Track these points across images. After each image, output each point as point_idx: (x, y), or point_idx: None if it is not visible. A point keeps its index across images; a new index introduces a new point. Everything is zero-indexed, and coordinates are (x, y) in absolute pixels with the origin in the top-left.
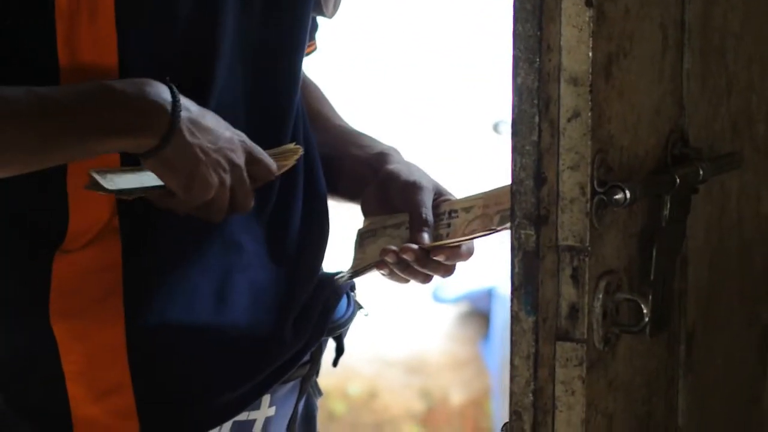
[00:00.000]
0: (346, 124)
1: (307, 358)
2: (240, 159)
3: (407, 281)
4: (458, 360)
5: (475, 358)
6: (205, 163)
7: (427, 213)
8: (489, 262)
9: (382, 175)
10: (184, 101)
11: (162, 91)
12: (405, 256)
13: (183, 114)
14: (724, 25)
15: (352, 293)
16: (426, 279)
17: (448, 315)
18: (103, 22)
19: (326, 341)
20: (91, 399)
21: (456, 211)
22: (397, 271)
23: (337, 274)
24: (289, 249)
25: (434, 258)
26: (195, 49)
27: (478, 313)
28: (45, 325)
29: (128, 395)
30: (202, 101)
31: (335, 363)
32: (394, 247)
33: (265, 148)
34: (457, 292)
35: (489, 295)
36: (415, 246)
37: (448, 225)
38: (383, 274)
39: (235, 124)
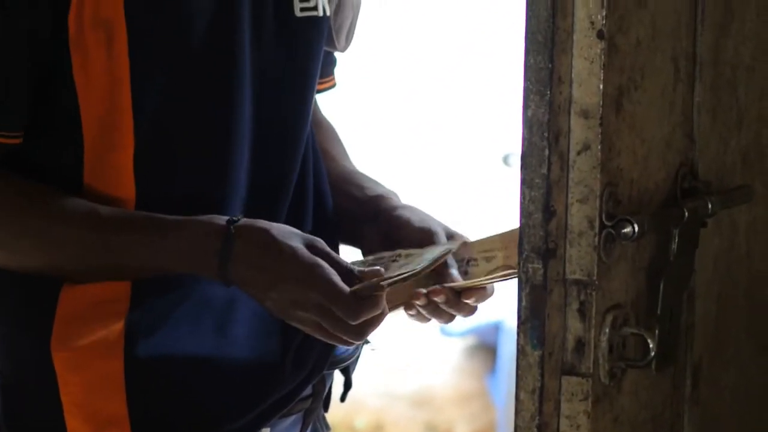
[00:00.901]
0: (353, 166)
1: (309, 391)
2: (307, 299)
3: (429, 320)
4: (465, 394)
5: (481, 392)
6: (265, 298)
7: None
8: (497, 295)
9: (390, 220)
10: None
11: (215, 236)
12: (436, 298)
13: (236, 258)
14: (736, 58)
15: None
16: (450, 319)
17: (456, 349)
18: (117, 50)
19: (331, 375)
20: (89, 430)
21: (475, 259)
22: (425, 313)
23: None
24: None
25: (464, 300)
26: (212, 83)
27: (486, 347)
28: (45, 354)
29: (125, 428)
30: (216, 126)
31: (343, 398)
32: (424, 290)
33: (274, 182)
34: (464, 325)
35: (496, 328)
36: (446, 287)
37: (469, 270)
38: (410, 315)
39: (243, 153)
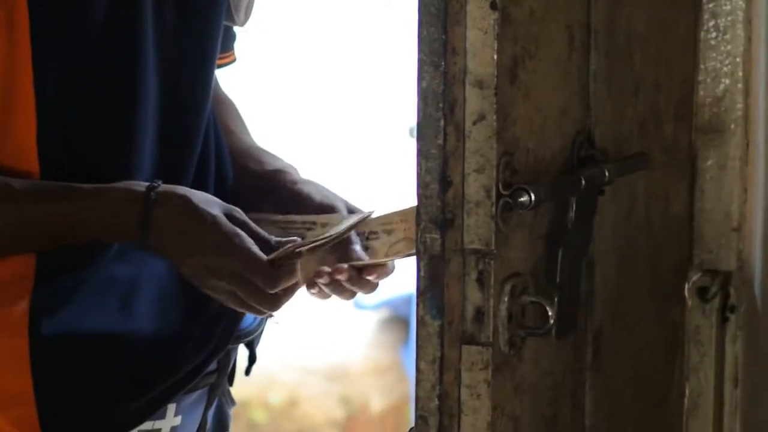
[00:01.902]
0: (252, 141)
1: (213, 366)
2: (224, 267)
3: (330, 297)
4: (379, 366)
5: (396, 364)
6: (182, 264)
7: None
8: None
9: (291, 194)
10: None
11: (133, 202)
12: (339, 277)
13: (156, 223)
14: (630, 27)
15: None
16: (352, 296)
17: (369, 321)
18: (18, 31)
19: (235, 349)
20: None
21: (376, 233)
22: (327, 290)
23: None
24: None
25: (366, 276)
26: (112, 52)
27: (399, 319)
28: None
29: (31, 406)
30: (120, 104)
31: (248, 371)
32: (327, 268)
33: (176, 157)
34: (377, 298)
35: (409, 300)
36: (346, 266)
37: (370, 245)
38: (312, 293)
39: (146, 130)
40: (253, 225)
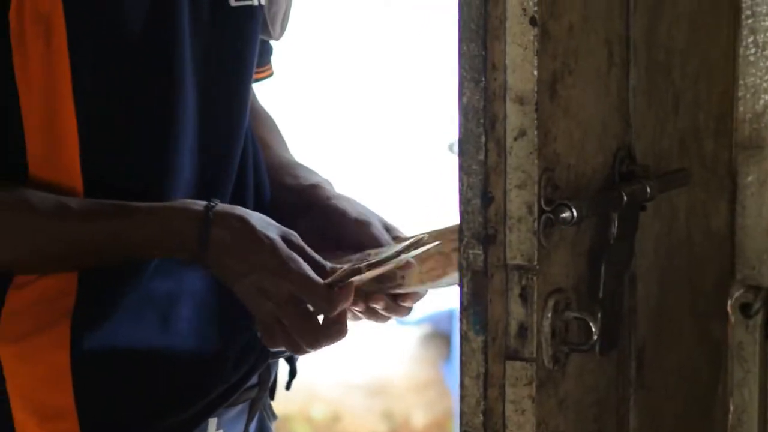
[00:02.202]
0: (289, 155)
1: (254, 381)
2: (284, 288)
3: (362, 320)
4: (421, 382)
5: (437, 379)
6: (235, 285)
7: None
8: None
9: (325, 210)
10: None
11: (192, 221)
12: (376, 305)
13: (214, 244)
14: (670, 42)
15: None
16: (386, 320)
17: (411, 337)
18: (56, 44)
19: (276, 363)
20: (36, 423)
21: (370, 255)
22: (361, 316)
23: None
24: None
25: (402, 303)
26: (153, 74)
27: (440, 335)
28: None
29: (72, 420)
30: (164, 123)
31: (288, 386)
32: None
33: (215, 171)
34: (419, 314)
35: (450, 316)
36: (383, 295)
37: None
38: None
39: (186, 144)
40: (308, 250)
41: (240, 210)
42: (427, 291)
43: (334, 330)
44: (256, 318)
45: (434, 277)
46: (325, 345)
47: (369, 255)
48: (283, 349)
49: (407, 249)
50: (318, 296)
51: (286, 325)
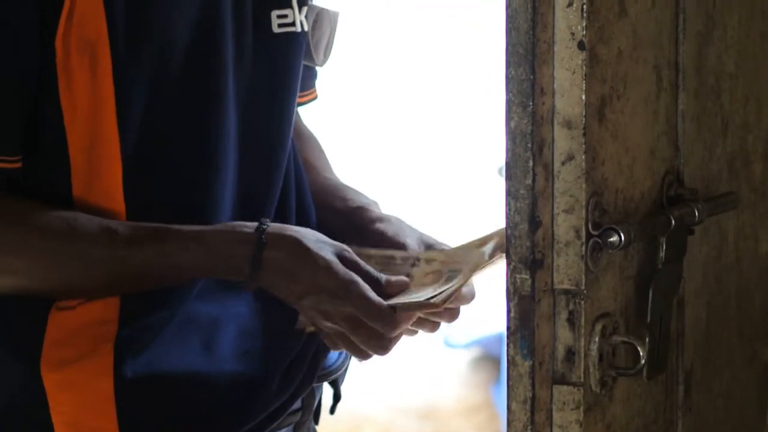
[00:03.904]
0: (335, 177)
1: (298, 405)
2: (339, 311)
3: (416, 333)
4: (470, 405)
5: (487, 403)
6: (294, 305)
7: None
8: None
9: (368, 231)
10: (287, 228)
11: (244, 242)
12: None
13: (267, 265)
14: (719, 66)
15: None
16: (436, 327)
17: (460, 360)
18: (101, 71)
19: (320, 387)
20: None
21: (419, 260)
22: (412, 328)
23: None
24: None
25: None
26: (196, 100)
27: (490, 358)
28: (36, 375)
29: None
30: (202, 142)
31: (332, 410)
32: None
33: (257, 194)
34: (468, 337)
35: (500, 339)
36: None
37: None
38: None
39: (228, 168)
40: (363, 264)
41: (292, 229)
42: (474, 294)
43: (397, 340)
44: (317, 329)
45: (480, 271)
46: (394, 347)
47: (419, 260)
48: (331, 368)
49: (473, 272)
50: (380, 320)
51: (353, 340)
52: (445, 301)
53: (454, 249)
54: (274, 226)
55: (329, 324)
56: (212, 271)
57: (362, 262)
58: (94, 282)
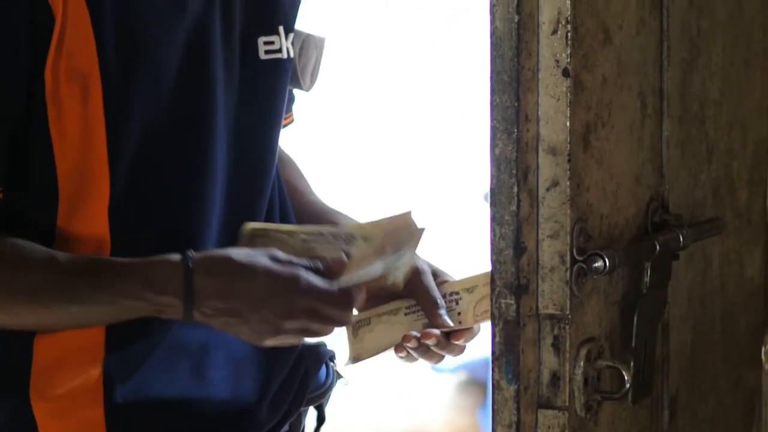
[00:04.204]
0: (320, 200)
1: (286, 428)
2: (293, 313)
3: (417, 360)
4: (457, 429)
5: (473, 427)
6: (241, 328)
7: (439, 297)
8: (486, 331)
9: None
10: (212, 255)
11: (172, 274)
12: (428, 342)
13: (201, 294)
14: (704, 93)
15: (332, 363)
16: (440, 359)
17: (447, 384)
18: (92, 103)
19: (306, 411)
20: None
21: (458, 293)
22: (415, 354)
23: (318, 343)
24: None
25: (454, 341)
26: (186, 130)
27: (476, 382)
28: (25, 404)
29: None
30: (194, 178)
31: None
32: (416, 333)
33: (242, 220)
34: (455, 361)
35: (487, 364)
36: (437, 331)
37: (455, 307)
38: (400, 357)
39: (215, 196)
40: (297, 259)
41: (219, 251)
42: (479, 329)
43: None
44: (266, 345)
45: (487, 317)
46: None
47: (353, 237)
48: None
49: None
50: (337, 304)
51: (313, 329)
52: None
53: (376, 224)
54: (200, 253)
55: (290, 323)
56: (146, 305)
57: (295, 258)
58: (44, 312)
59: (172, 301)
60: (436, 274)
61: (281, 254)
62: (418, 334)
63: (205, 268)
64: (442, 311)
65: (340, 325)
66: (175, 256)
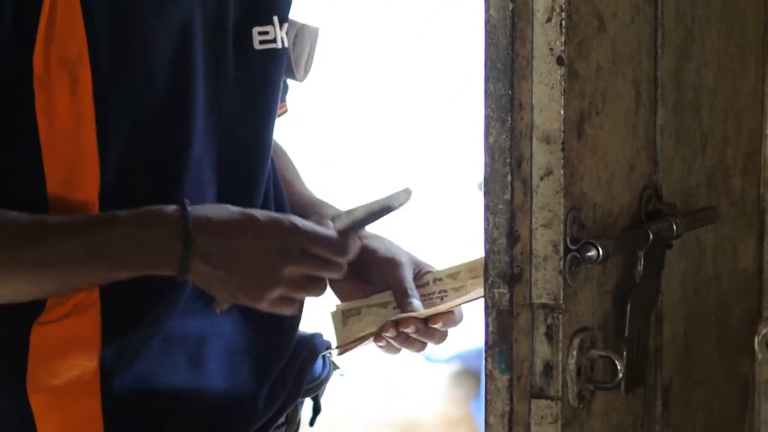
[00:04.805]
0: (310, 192)
1: (282, 420)
2: (290, 257)
3: (400, 351)
4: (450, 419)
5: (467, 417)
6: (240, 279)
7: (411, 287)
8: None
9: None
10: (207, 209)
11: (171, 224)
12: (406, 330)
13: (200, 243)
14: (698, 81)
15: (328, 354)
16: (422, 347)
17: (440, 375)
18: (81, 91)
19: (302, 402)
20: None
21: (441, 280)
22: (395, 343)
23: (315, 335)
24: (266, 314)
25: (432, 326)
26: (170, 111)
27: (470, 373)
28: (22, 396)
29: None
30: (179, 161)
31: (312, 422)
32: (392, 320)
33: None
34: (448, 352)
35: (480, 354)
36: (414, 316)
37: (439, 295)
38: (380, 347)
39: (207, 186)
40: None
41: (214, 205)
42: (461, 316)
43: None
44: (263, 301)
45: (463, 299)
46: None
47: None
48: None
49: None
50: (333, 245)
51: (313, 274)
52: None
53: (472, 262)
54: (196, 207)
55: (287, 269)
56: (141, 250)
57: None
58: (20, 276)
59: (170, 252)
60: (417, 264)
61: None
62: (395, 321)
63: (203, 216)
64: (413, 300)
65: (337, 270)
66: (171, 207)
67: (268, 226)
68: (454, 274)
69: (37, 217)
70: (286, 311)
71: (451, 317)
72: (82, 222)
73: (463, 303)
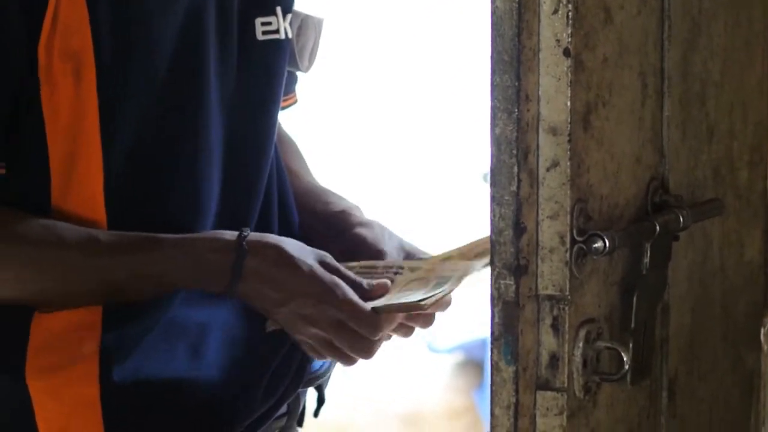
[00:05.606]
0: (315, 181)
1: (284, 410)
2: (325, 317)
3: (390, 338)
4: (454, 410)
5: (470, 407)
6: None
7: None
8: (483, 311)
9: (350, 236)
10: (263, 244)
11: (223, 253)
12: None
13: (249, 267)
14: (705, 73)
15: None
16: (410, 332)
17: (444, 365)
18: (85, 83)
19: (305, 392)
20: None
21: (402, 268)
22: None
23: None
24: None
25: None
26: (179, 102)
27: (473, 363)
28: (21, 383)
29: None
30: (185, 153)
31: (316, 413)
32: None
33: (240, 200)
34: (452, 342)
35: (483, 344)
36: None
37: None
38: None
39: (212, 177)
40: (344, 270)
41: (273, 238)
42: (450, 301)
43: (380, 343)
44: (297, 339)
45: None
46: (377, 350)
47: (402, 268)
48: (317, 373)
49: (458, 281)
50: (365, 323)
51: (338, 345)
52: (433, 304)
53: (439, 259)
54: (255, 235)
55: (313, 330)
56: (191, 279)
57: (343, 268)
58: (75, 291)
59: (221, 278)
60: (409, 253)
61: (330, 259)
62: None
63: (257, 250)
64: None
65: (364, 351)
66: (230, 234)
67: (312, 281)
68: (446, 259)
69: (90, 231)
70: (312, 355)
71: (442, 302)
72: (132, 242)
73: (459, 285)
